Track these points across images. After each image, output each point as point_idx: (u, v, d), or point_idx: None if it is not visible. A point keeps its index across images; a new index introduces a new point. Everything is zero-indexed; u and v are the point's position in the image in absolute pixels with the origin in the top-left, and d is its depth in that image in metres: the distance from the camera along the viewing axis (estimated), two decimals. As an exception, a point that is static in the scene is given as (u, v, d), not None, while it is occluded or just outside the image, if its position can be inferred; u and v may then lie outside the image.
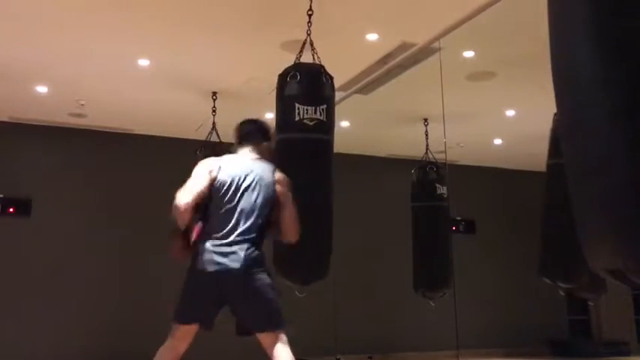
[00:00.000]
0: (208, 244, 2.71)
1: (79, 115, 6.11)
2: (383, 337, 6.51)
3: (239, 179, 2.79)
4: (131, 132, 6.66)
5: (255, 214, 2.73)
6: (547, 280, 4.10)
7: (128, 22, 4.22)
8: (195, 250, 2.79)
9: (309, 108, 3.37)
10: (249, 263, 2.64)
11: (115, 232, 6.38)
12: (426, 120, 5.95)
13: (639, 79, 1.28)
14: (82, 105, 5.81)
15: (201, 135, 5.60)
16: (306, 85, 3.44)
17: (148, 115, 6.13)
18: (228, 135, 5.50)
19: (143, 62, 4.87)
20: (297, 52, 3.63)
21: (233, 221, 2.71)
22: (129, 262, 6.33)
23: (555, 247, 4.12)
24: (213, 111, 5.53)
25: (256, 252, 2.69)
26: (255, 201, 2.75)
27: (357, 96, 5.54)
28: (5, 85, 5.33)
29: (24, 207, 6.15)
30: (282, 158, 3.26)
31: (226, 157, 2.94)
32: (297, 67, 3.49)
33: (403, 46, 4.63)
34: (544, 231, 4.34)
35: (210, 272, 2.65)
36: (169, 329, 2.84)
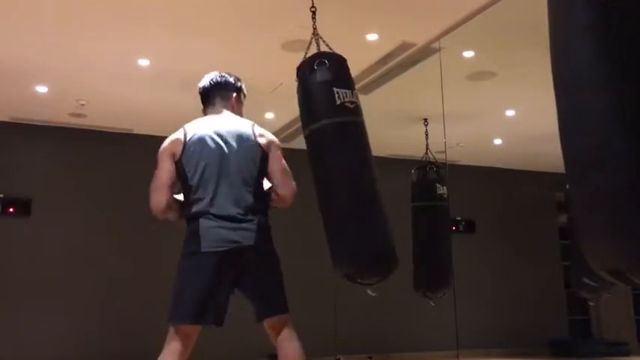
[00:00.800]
0: (208, 222, 2.37)
1: (79, 115, 6.11)
2: (383, 337, 6.51)
3: (215, 145, 2.50)
4: (131, 132, 6.66)
5: (248, 179, 2.45)
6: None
7: (128, 22, 4.22)
8: (188, 231, 2.47)
9: (347, 91, 3.28)
10: (262, 236, 2.38)
11: (115, 232, 6.38)
12: (426, 120, 5.95)
13: (639, 79, 1.28)
14: (82, 105, 5.80)
15: (201, 135, 5.60)
16: (338, 69, 3.36)
17: (148, 115, 6.13)
18: (228, 135, 5.52)
19: (143, 62, 4.87)
20: (301, 50, 3.60)
21: (225, 192, 2.40)
22: (129, 262, 6.33)
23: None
24: (213, 111, 5.53)
25: (265, 223, 2.43)
26: (243, 164, 2.46)
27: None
28: (5, 85, 5.33)
29: (24, 207, 6.15)
30: (329, 144, 3.23)
31: (193, 124, 2.69)
32: (320, 55, 3.40)
33: (403, 46, 4.63)
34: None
35: (218, 252, 2.32)
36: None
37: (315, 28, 3.57)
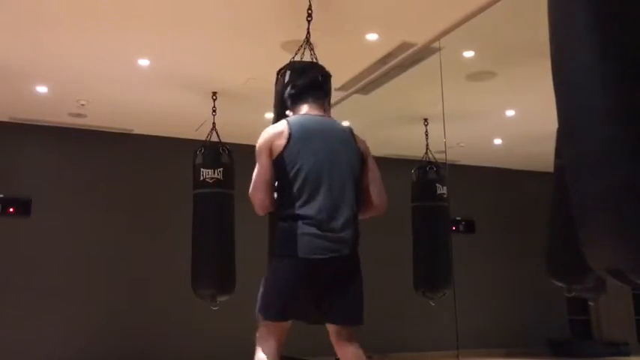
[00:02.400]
0: (308, 227, 2.30)
1: (79, 115, 6.11)
2: (383, 337, 6.51)
3: (321, 146, 2.39)
4: (131, 132, 6.66)
5: (349, 186, 2.38)
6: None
7: (128, 22, 4.22)
8: (283, 232, 2.37)
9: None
10: (355, 247, 2.36)
11: (115, 231, 6.39)
12: (426, 120, 5.95)
13: (639, 79, 1.28)
14: (82, 105, 5.81)
15: (201, 135, 5.60)
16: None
17: (148, 115, 6.13)
18: (228, 135, 5.53)
19: (143, 62, 4.87)
20: (297, 52, 3.62)
21: (327, 197, 2.32)
22: (129, 262, 6.33)
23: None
24: (214, 111, 5.53)
25: (357, 233, 2.38)
26: (346, 170, 2.39)
27: (357, 96, 5.54)
28: (5, 85, 5.33)
29: (24, 207, 6.15)
30: None
31: (296, 119, 2.50)
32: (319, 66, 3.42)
33: (403, 46, 4.63)
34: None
35: (315, 259, 2.28)
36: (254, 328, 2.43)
37: (308, 37, 3.56)
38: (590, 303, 5.70)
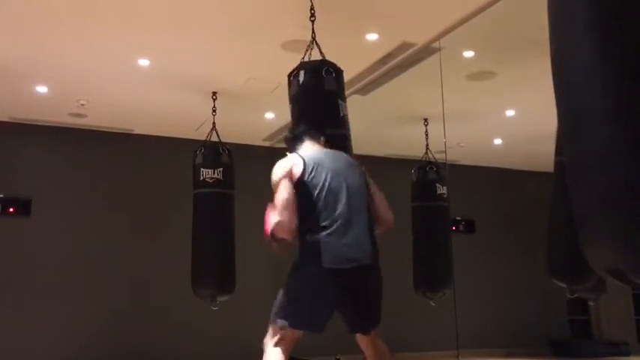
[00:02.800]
0: (329, 238, 2.46)
1: (79, 115, 6.11)
2: (383, 337, 6.51)
3: (332, 168, 2.62)
4: (131, 132, 6.66)
5: (363, 203, 2.61)
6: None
7: (128, 22, 4.22)
8: (307, 244, 2.52)
9: (344, 105, 3.38)
10: (376, 257, 2.57)
11: (115, 231, 6.39)
12: (426, 120, 5.95)
13: (639, 79, 1.28)
14: (82, 105, 5.81)
15: (201, 135, 5.60)
16: (341, 82, 3.42)
17: (148, 115, 6.13)
18: (228, 135, 5.53)
19: (143, 62, 4.87)
20: (301, 50, 3.60)
21: (346, 212, 2.51)
22: (129, 262, 6.33)
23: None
24: (214, 111, 5.53)
25: (376, 246, 2.60)
26: (358, 188, 2.62)
27: (357, 96, 5.54)
28: (5, 85, 5.33)
29: (24, 207, 6.15)
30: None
31: (301, 152, 2.71)
32: (327, 63, 3.41)
33: (403, 46, 4.63)
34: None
35: (342, 269, 2.44)
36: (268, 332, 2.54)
37: (313, 37, 3.56)
38: (590, 303, 5.70)
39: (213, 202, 5.21)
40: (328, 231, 2.47)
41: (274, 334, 2.48)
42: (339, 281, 2.45)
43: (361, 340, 2.65)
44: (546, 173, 5.84)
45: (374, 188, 2.74)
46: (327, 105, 3.33)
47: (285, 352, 2.46)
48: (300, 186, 2.56)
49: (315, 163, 2.60)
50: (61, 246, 6.17)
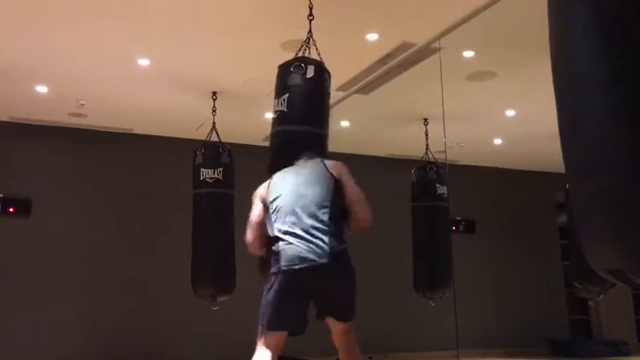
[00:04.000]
0: (285, 245, 2.68)
1: (79, 115, 6.11)
2: (383, 337, 6.51)
3: (291, 181, 2.82)
4: (131, 132, 6.66)
5: (323, 207, 2.71)
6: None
7: (128, 22, 4.22)
8: (272, 254, 2.76)
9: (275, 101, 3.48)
10: (336, 256, 2.66)
11: (115, 231, 6.39)
12: (426, 120, 5.95)
13: (639, 80, 1.28)
14: (82, 105, 5.81)
15: (201, 135, 5.60)
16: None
17: (147, 115, 6.13)
18: (228, 135, 5.53)
19: (143, 62, 4.87)
20: (297, 51, 3.61)
21: (301, 219, 2.69)
22: (129, 262, 6.33)
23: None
24: (214, 111, 5.53)
25: (337, 245, 2.68)
26: (318, 194, 2.74)
27: (357, 96, 5.54)
28: (5, 85, 5.33)
29: (24, 207, 6.15)
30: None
31: (276, 174, 2.97)
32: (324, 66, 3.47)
33: (403, 46, 4.63)
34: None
35: (299, 269, 2.63)
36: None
37: (310, 35, 3.56)
38: (590, 303, 5.70)
39: (213, 202, 5.20)
40: (284, 239, 2.67)
41: (259, 338, 2.70)
42: (300, 282, 2.62)
43: (334, 336, 2.77)
44: (546, 173, 5.85)
45: (350, 186, 2.82)
46: (327, 107, 3.40)
47: (271, 353, 2.65)
48: (264, 205, 2.86)
49: (276, 182, 2.87)
50: (61, 246, 6.17)
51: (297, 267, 2.60)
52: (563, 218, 6.27)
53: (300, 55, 3.51)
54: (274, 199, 2.80)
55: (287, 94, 3.32)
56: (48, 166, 6.36)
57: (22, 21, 4.18)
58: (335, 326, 2.75)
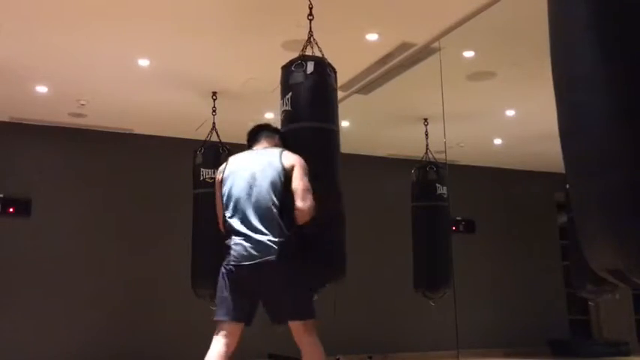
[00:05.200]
0: (235, 240, 2.75)
1: (79, 115, 6.11)
2: (383, 337, 6.51)
3: (242, 174, 2.85)
4: (131, 132, 6.66)
5: (270, 202, 2.74)
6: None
7: (128, 22, 4.22)
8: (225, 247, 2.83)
9: (281, 102, 3.48)
10: (280, 252, 2.68)
11: (115, 232, 6.39)
12: (426, 120, 5.95)
13: (639, 79, 1.28)
14: (82, 105, 5.81)
15: (201, 135, 5.60)
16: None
17: (147, 115, 6.13)
18: (228, 135, 5.53)
19: (143, 62, 4.87)
20: (299, 51, 3.60)
21: (249, 214, 2.75)
22: (129, 262, 6.33)
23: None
24: (214, 111, 5.53)
25: (284, 241, 2.70)
26: (267, 188, 2.77)
27: (357, 96, 5.54)
28: (5, 85, 5.33)
29: (24, 207, 6.15)
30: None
31: (233, 157, 3.04)
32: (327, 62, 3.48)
33: (403, 46, 4.63)
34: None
35: (245, 266, 2.70)
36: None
37: (311, 34, 3.55)
38: (591, 303, 5.70)
39: (214, 202, 5.20)
40: (232, 234, 2.75)
41: (216, 328, 2.82)
42: (243, 276, 2.69)
43: (295, 335, 2.76)
44: (546, 173, 5.85)
45: (295, 177, 2.80)
46: (334, 101, 3.42)
47: (225, 341, 2.76)
48: (221, 192, 2.94)
49: (229, 170, 2.93)
50: (61, 246, 6.17)
51: (243, 263, 2.68)
52: (563, 218, 6.26)
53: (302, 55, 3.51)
54: (227, 189, 2.87)
55: (290, 93, 3.32)
56: (48, 166, 6.36)
57: (23, 21, 4.18)
58: (292, 327, 2.75)
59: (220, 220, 2.94)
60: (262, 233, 2.68)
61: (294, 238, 2.73)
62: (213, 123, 5.53)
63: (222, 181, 2.93)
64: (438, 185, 5.64)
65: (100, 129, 6.48)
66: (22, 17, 4.13)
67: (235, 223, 2.76)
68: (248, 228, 2.71)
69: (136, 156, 6.70)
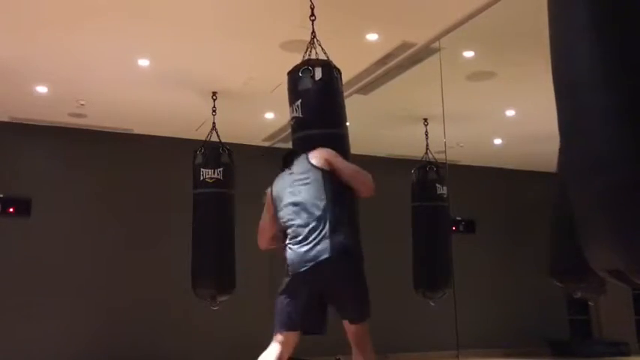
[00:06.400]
0: (292, 248, 2.75)
1: (79, 115, 6.11)
2: (383, 337, 6.50)
3: (287, 188, 2.88)
4: (131, 132, 6.66)
5: (318, 204, 2.75)
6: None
7: (128, 22, 4.22)
8: (283, 258, 2.82)
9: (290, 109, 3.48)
10: (339, 250, 2.68)
11: (115, 232, 6.38)
12: (426, 120, 5.95)
13: (639, 79, 1.28)
14: (82, 105, 5.81)
15: (201, 135, 5.60)
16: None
17: (147, 115, 6.13)
18: (228, 135, 5.53)
19: (143, 62, 4.87)
20: (301, 50, 3.58)
21: (300, 221, 2.76)
22: (129, 262, 6.33)
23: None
24: (214, 111, 5.53)
25: (340, 239, 2.71)
26: (310, 192, 2.79)
27: (357, 96, 5.54)
28: (5, 85, 5.33)
29: (24, 207, 6.15)
30: None
31: (275, 182, 3.06)
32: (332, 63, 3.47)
33: (403, 46, 4.63)
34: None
35: (305, 271, 2.68)
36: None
37: (314, 34, 3.55)
38: (590, 303, 5.70)
39: (213, 202, 5.20)
40: (291, 242, 2.73)
41: (274, 338, 2.75)
42: (300, 284, 2.67)
43: (349, 335, 2.81)
44: (546, 173, 5.83)
45: (341, 167, 2.86)
46: (343, 105, 3.47)
47: (281, 351, 2.69)
48: (273, 209, 2.95)
49: (276, 188, 2.95)
50: (61, 246, 6.17)
51: (302, 269, 2.64)
52: (562, 218, 6.25)
53: (306, 56, 3.50)
54: (278, 205, 2.88)
55: (300, 100, 3.31)
56: (48, 166, 6.36)
57: (23, 21, 4.18)
58: (347, 327, 2.78)
59: (263, 239, 3.02)
60: (319, 236, 2.68)
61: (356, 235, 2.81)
62: (213, 123, 5.53)
63: (273, 201, 2.95)
64: (438, 185, 5.64)
65: (100, 129, 6.48)
66: (22, 17, 4.13)
67: (290, 234, 2.76)
68: (303, 235, 2.70)
69: (136, 156, 6.70)
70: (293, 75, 3.39)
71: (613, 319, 5.81)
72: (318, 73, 3.32)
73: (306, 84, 3.33)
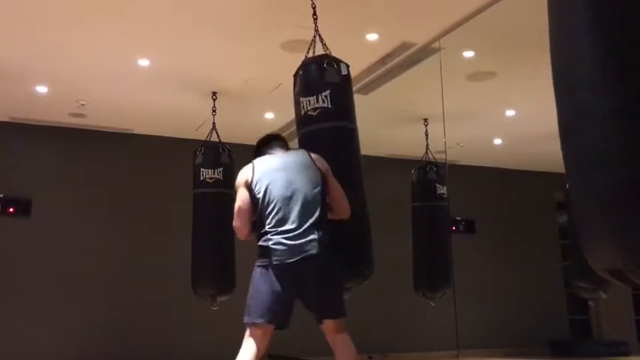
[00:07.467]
0: (273, 238, 2.71)
1: (79, 115, 6.11)
2: (383, 337, 6.51)
3: (279, 174, 2.84)
4: (131, 132, 6.66)
5: (311, 199, 2.77)
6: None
7: (128, 22, 4.22)
8: (259, 247, 2.78)
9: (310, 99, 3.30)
10: (322, 248, 2.70)
11: (115, 231, 6.38)
12: (426, 120, 5.95)
13: (639, 79, 1.28)
14: (82, 105, 5.81)
15: (201, 135, 5.60)
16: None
17: (148, 115, 6.13)
18: (228, 135, 5.53)
19: (143, 62, 4.87)
20: (301, 50, 3.57)
21: (291, 211, 2.74)
22: (129, 262, 6.33)
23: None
24: (214, 111, 5.53)
25: (325, 236, 2.74)
26: (307, 187, 2.79)
27: (357, 96, 5.52)
28: (5, 85, 5.33)
29: (24, 207, 6.15)
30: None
31: (258, 160, 2.99)
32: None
33: (403, 46, 4.63)
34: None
35: (287, 264, 2.66)
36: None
37: (317, 31, 3.55)
38: (590, 303, 5.70)
39: (213, 202, 5.20)
40: (272, 232, 2.70)
41: (246, 331, 2.73)
42: (285, 275, 2.65)
43: (327, 333, 2.74)
44: (546, 173, 5.84)
45: (332, 181, 2.89)
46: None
47: (256, 346, 2.66)
48: (250, 192, 2.86)
49: (261, 171, 2.87)
50: (61, 246, 6.17)
51: (288, 260, 2.64)
52: (563, 218, 6.26)
53: (309, 54, 3.49)
54: (262, 189, 2.81)
55: (328, 91, 3.24)
56: (48, 166, 6.36)
57: (22, 21, 4.18)
58: (325, 325, 2.75)
59: (245, 222, 2.89)
60: (308, 231, 2.69)
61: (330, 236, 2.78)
62: (213, 123, 5.53)
63: (251, 184, 2.86)
64: (438, 185, 5.64)
65: (100, 129, 6.48)
66: (22, 17, 4.13)
67: (278, 222, 2.72)
68: (294, 226, 2.70)
69: (136, 156, 6.70)
70: (317, 65, 3.32)
71: (613, 319, 5.80)
72: (344, 69, 3.36)
73: (333, 77, 3.30)
